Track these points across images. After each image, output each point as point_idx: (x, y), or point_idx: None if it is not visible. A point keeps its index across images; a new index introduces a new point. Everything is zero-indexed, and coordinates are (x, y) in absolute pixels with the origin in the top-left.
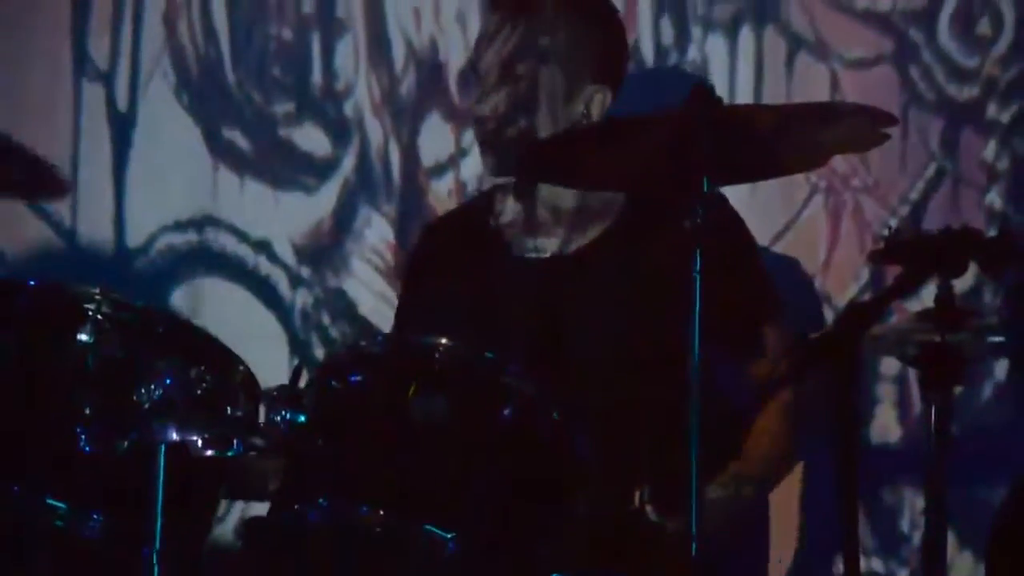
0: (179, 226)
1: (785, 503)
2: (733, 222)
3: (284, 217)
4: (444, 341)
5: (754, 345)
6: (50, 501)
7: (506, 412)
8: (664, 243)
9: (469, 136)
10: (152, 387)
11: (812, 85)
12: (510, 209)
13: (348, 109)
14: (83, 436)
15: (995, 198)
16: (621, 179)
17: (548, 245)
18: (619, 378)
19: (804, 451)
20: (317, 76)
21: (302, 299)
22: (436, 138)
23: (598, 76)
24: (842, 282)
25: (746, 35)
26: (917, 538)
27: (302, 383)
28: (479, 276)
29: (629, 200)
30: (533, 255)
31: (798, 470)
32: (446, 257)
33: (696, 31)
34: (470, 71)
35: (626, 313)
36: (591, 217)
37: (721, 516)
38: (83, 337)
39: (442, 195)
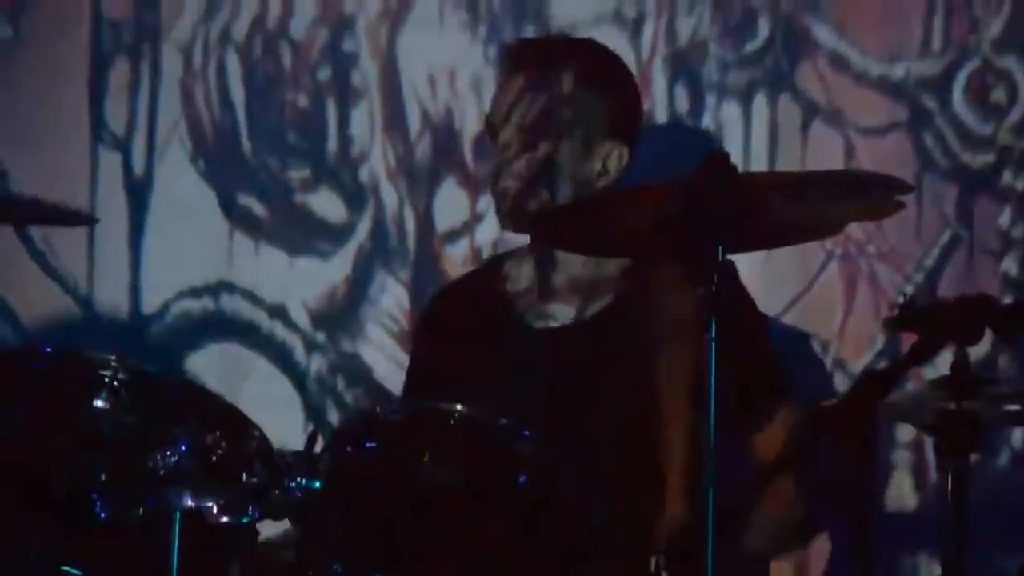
0: (194, 292)
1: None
2: (740, 295)
3: (299, 282)
4: (459, 407)
5: (760, 420)
6: (65, 568)
7: (521, 479)
8: (675, 310)
9: (484, 202)
10: (167, 453)
11: (826, 152)
12: (523, 276)
13: (363, 175)
14: (98, 503)
15: (1011, 265)
16: (634, 246)
17: (560, 313)
18: (631, 445)
19: (822, 524)
20: (332, 142)
21: (317, 364)
22: (451, 204)
23: (614, 134)
24: (857, 349)
25: (760, 102)
26: None
27: (317, 449)
28: (489, 343)
29: (639, 266)
30: (543, 324)
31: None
32: (456, 323)
33: (710, 98)
34: (487, 138)
35: (636, 380)
36: (605, 285)
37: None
38: (99, 403)
39: (457, 261)
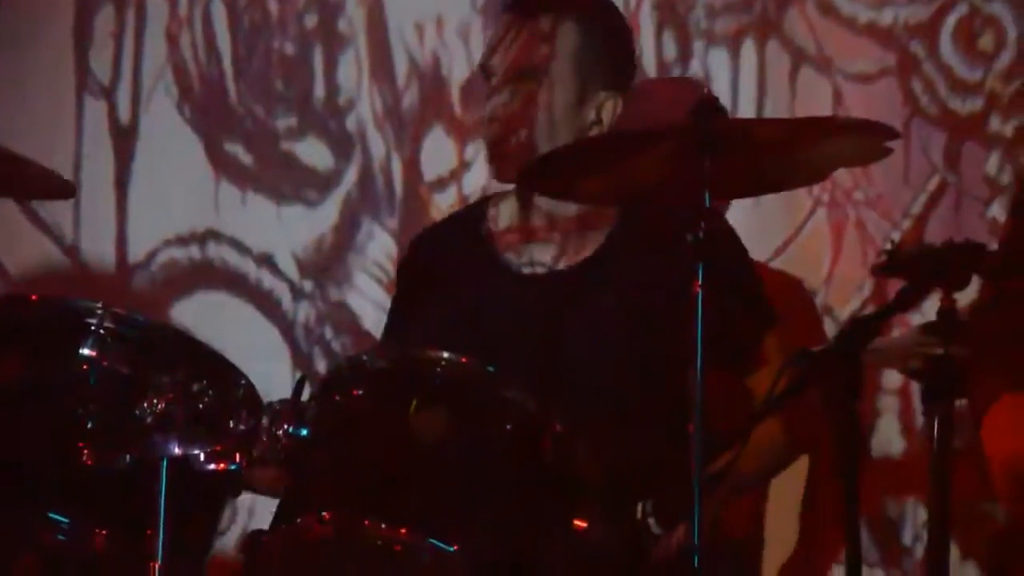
0: (181, 240)
1: (784, 510)
2: (727, 235)
3: (286, 231)
4: (446, 355)
5: (752, 357)
6: (52, 515)
7: (508, 426)
8: (662, 256)
9: (472, 150)
10: (154, 401)
11: (815, 99)
12: (505, 215)
13: (350, 123)
14: (85, 450)
15: (998, 211)
16: (623, 193)
17: (543, 254)
18: (619, 392)
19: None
20: (319, 90)
21: (304, 313)
22: (438, 152)
23: (608, 83)
24: (845, 295)
25: (749, 49)
26: (920, 550)
27: (304, 397)
28: (472, 286)
29: (625, 212)
30: (528, 269)
31: (800, 477)
32: (438, 266)
33: (699, 45)
34: (483, 82)
35: (624, 327)
36: (588, 227)
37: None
38: (86, 351)
39: (444, 209)
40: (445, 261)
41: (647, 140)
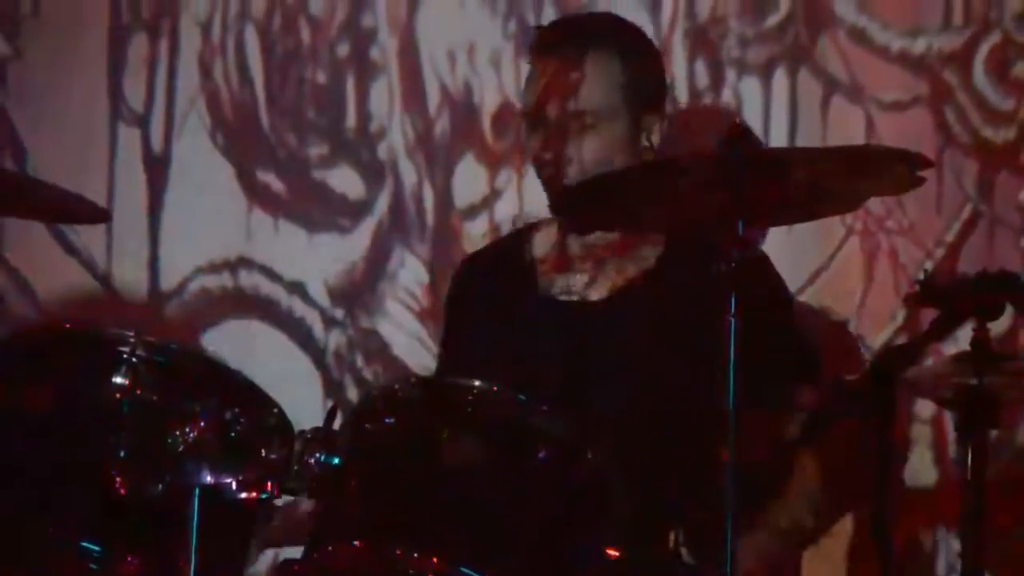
0: (213, 268)
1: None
2: (770, 278)
3: (318, 258)
4: (477, 384)
5: (789, 403)
6: (85, 544)
7: (540, 455)
8: (699, 289)
9: (503, 178)
10: (186, 430)
11: (847, 128)
12: (544, 243)
13: (382, 151)
14: (118, 479)
15: None
16: (657, 221)
17: (578, 282)
18: (652, 420)
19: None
20: (351, 118)
21: (335, 340)
22: (470, 180)
23: (653, 108)
24: (878, 324)
25: (780, 78)
26: None
27: (336, 425)
28: (512, 312)
29: (666, 244)
30: (564, 297)
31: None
32: (483, 294)
33: (731, 73)
34: (525, 130)
35: (659, 357)
36: (626, 256)
37: (756, 558)
38: (118, 380)
39: (475, 237)
40: (490, 289)
41: (680, 168)
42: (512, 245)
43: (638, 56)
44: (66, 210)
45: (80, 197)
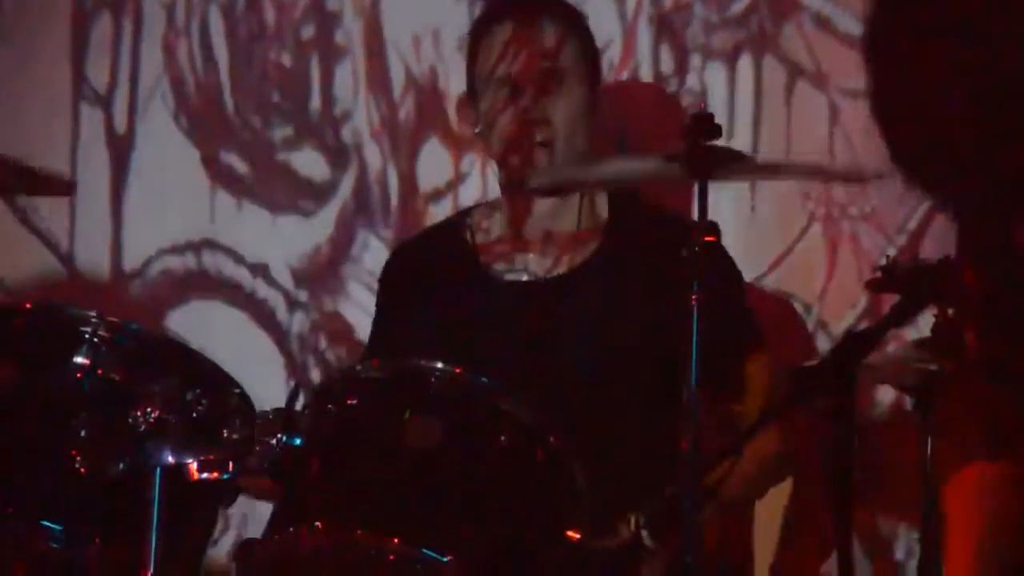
0: (176, 249)
1: (772, 533)
2: (719, 253)
3: (282, 241)
4: (440, 365)
5: (735, 378)
6: (45, 523)
7: (502, 437)
8: (653, 268)
9: (467, 162)
10: (148, 410)
11: (811, 114)
12: (494, 226)
13: (347, 134)
14: (78, 458)
15: None
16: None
17: (532, 264)
18: (606, 401)
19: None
20: (316, 101)
21: (299, 322)
22: (434, 163)
23: (599, 79)
24: (839, 310)
25: (745, 64)
26: (913, 567)
27: (298, 406)
28: (455, 295)
29: (617, 222)
30: (513, 277)
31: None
32: (421, 276)
33: (695, 59)
34: (482, 82)
35: (608, 339)
36: (583, 240)
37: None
38: (79, 360)
39: (440, 220)
40: (427, 271)
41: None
42: (450, 229)
43: (586, 28)
44: (30, 183)
45: (44, 171)
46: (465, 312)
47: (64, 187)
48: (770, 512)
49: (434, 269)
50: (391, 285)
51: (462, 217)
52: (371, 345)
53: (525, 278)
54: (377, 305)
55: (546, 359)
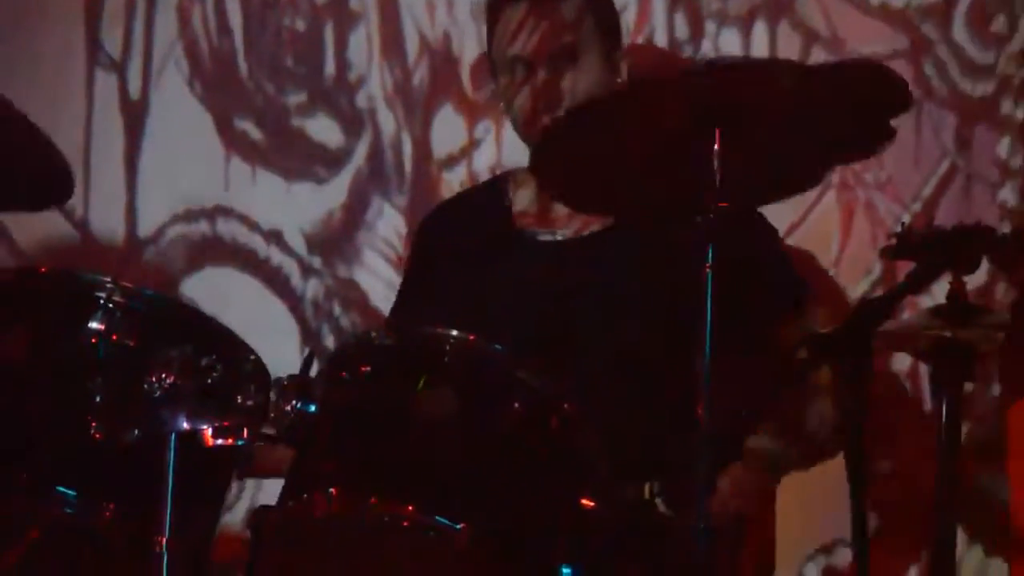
0: (191, 215)
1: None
2: (751, 213)
3: (296, 207)
4: (454, 333)
5: (777, 335)
6: (60, 489)
7: (515, 405)
8: (677, 236)
9: (482, 128)
10: (162, 376)
11: None
12: (523, 198)
13: (361, 100)
14: (93, 424)
15: (1008, 195)
16: (636, 160)
17: (562, 227)
18: (631, 369)
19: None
20: (330, 67)
21: (313, 289)
22: (449, 129)
23: (617, 44)
24: (854, 277)
25: (760, 30)
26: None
27: (312, 373)
28: (490, 257)
29: (640, 195)
30: (547, 238)
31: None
32: (456, 239)
33: (710, 25)
34: (500, 59)
35: (640, 299)
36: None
37: (732, 488)
38: (94, 325)
39: (454, 186)
40: (462, 234)
41: (655, 95)
42: (487, 193)
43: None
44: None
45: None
46: (497, 271)
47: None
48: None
49: (469, 232)
50: (424, 248)
51: (497, 182)
52: (401, 307)
53: (559, 238)
54: (408, 268)
55: (574, 316)
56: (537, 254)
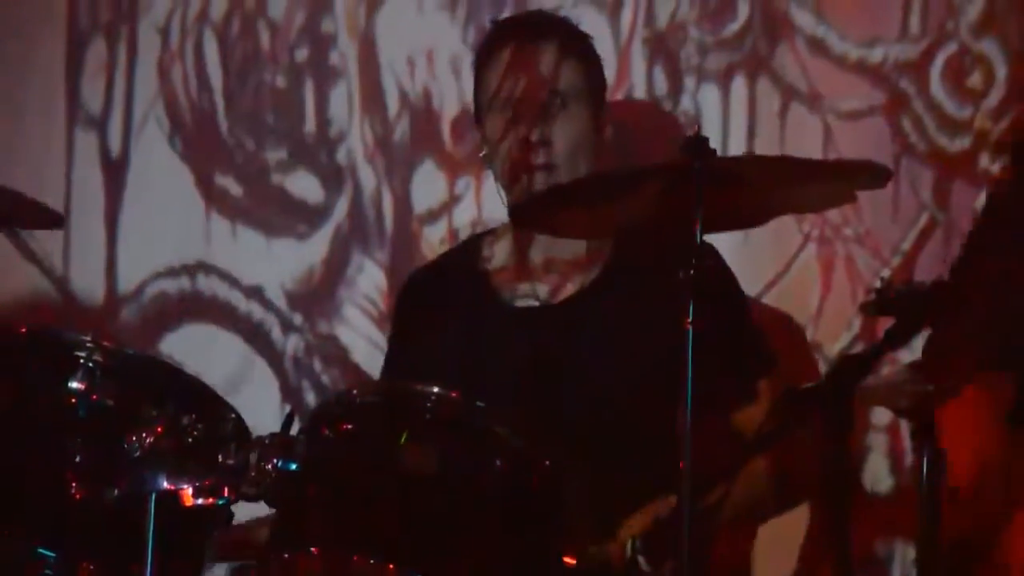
0: (171, 272)
1: (775, 550)
2: (724, 274)
3: (276, 263)
4: (436, 390)
5: (745, 399)
6: (40, 549)
7: (497, 462)
8: (655, 293)
9: (462, 183)
10: (143, 435)
11: (805, 136)
12: (501, 254)
13: (341, 156)
14: (73, 483)
15: None
16: (613, 229)
17: (537, 290)
18: (609, 426)
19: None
20: (310, 123)
21: (294, 345)
22: (429, 185)
23: (603, 102)
24: (834, 332)
25: (739, 86)
26: None
27: (294, 431)
28: (468, 321)
29: (619, 249)
30: (522, 303)
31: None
32: (432, 300)
33: (689, 81)
34: (485, 104)
35: (616, 362)
36: (584, 266)
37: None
38: (74, 384)
39: (435, 242)
40: (441, 297)
41: (639, 177)
42: (462, 256)
43: (589, 51)
44: (22, 215)
45: (35, 202)
46: (477, 337)
47: (54, 220)
48: (770, 534)
49: (447, 294)
50: (406, 310)
51: (474, 242)
52: (386, 369)
53: (535, 303)
54: (392, 333)
55: (556, 382)
56: (515, 322)
